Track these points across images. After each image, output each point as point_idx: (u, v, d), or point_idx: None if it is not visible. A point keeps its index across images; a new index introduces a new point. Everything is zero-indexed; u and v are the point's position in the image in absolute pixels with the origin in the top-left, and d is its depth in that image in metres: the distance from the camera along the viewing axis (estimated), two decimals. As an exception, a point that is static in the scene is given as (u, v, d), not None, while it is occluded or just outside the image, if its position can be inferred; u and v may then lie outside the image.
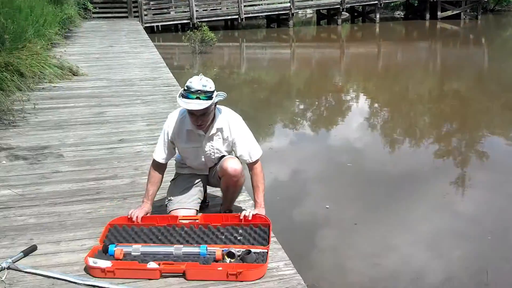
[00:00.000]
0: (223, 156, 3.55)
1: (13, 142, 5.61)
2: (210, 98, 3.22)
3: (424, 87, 13.28)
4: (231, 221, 3.42)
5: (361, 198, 6.05)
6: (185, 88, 3.24)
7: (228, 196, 3.68)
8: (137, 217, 3.43)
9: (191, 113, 3.29)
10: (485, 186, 6.53)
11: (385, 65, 17.34)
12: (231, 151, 3.61)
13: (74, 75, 9.19)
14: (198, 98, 3.19)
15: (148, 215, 3.52)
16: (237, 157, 3.54)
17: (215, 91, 3.29)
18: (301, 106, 11.65)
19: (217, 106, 3.46)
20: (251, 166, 3.53)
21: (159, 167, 3.59)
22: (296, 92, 13.37)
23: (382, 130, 9.55)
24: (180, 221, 3.43)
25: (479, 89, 12.97)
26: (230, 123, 3.49)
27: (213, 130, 3.46)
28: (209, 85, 3.25)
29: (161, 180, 3.63)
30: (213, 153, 3.54)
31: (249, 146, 3.51)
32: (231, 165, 3.43)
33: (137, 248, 3.21)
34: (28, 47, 8.28)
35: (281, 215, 5.39)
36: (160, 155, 3.58)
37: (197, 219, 3.45)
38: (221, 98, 3.37)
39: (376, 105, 11.59)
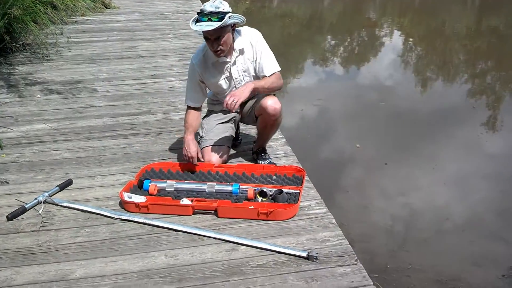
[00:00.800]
0: (259, 68, 3.45)
1: (48, 76, 5.67)
2: (222, 19, 3.12)
3: (461, 23, 12.86)
4: (266, 170, 3.44)
5: (393, 137, 5.95)
6: (199, 11, 3.18)
7: (264, 135, 3.65)
8: (196, 152, 3.42)
9: (206, 38, 3.22)
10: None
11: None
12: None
13: (106, 8, 9.14)
14: (209, 19, 3.11)
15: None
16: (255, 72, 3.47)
17: (230, 13, 3.18)
18: (333, 42, 11.41)
19: (235, 29, 3.37)
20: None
21: (194, 112, 3.56)
22: (328, 27, 13.07)
23: (415, 68, 9.32)
24: (215, 167, 3.46)
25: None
26: (251, 41, 3.41)
27: (235, 53, 3.39)
28: (222, 6, 3.15)
29: (199, 121, 3.61)
30: (242, 77, 3.47)
31: (269, 60, 3.43)
32: (271, 103, 3.37)
33: (171, 184, 3.26)
34: (60, -21, 8.21)
35: (311, 153, 5.38)
36: (192, 99, 3.56)
37: (233, 166, 3.48)
38: (237, 21, 3.27)
39: (410, 41, 11.29)
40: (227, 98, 3.22)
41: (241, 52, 3.40)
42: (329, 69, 9.33)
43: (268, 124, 3.49)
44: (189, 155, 3.41)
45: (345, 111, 6.84)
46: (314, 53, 10.35)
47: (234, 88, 3.47)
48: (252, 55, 3.42)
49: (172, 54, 6.45)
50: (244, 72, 3.45)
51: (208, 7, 3.13)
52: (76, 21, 8.15)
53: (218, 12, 3.12)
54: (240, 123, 3.87)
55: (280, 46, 9.85)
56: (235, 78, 3.46)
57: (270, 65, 3.43)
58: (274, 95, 3.51)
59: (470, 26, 12.75)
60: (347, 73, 9.08)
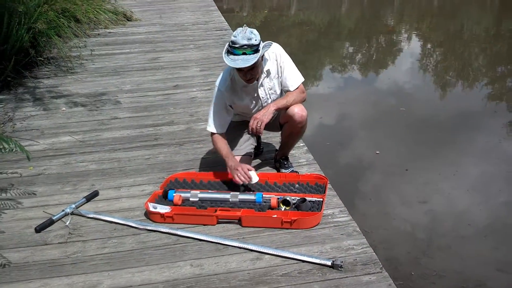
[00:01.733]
0: (284, 84, 3.46)
1: (72, 89, 5.77)
2: (256, 51, 3.11)
3: (480, 26, 12.76)
4: (288, 178, 3.47)
5: (413, 143, 5.93)
6: (230, 43, 3.13)
7: (289, 142, 3.68)
8: (245, 169, 3.29)
9: (239, 69, 3.21)
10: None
11: (440, 3, 16.68)
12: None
13: (128, 20, 9.24)
14: (244, 53, 3.08)
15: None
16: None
17: (261, 42, 3.17)
18: (351, 48, 11.40)
19: None
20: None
21: (222, 139, 3.48)
22: (347, 33, 13.06)
23: (434, 73, 9.27)
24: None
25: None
26: (277, 60, 3.41)
27: (263, 75, 3.39)
28: (254, 37, 3.11)
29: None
30: (269, 95, 3.48)
31: (292, 73, 3.44)
32: (298, 111, 3.39)
33: (195, 194, 3.30)
34: (83, -7, 8.34)
35: (332, 160, 5.39)
36: (220, 126, 3.48)
37: None
38: (267, 49, 3.27)
39: (429, 45, 11.23)
40: (251, 122, 3.27)
41: (268, 73, 3.41)
42: (347, 75, 9.32)
43: (294, 131, 3.50)
44: (236, 170, 3.29)
45: (365, 117, 6.82)
46: (333, 60, 10.36)
47: (260, 107, 3.49)
48: (277, 71, 3.43)
49: (194, 65, 6.51)
50: (270, 90, 3.47)
51: (241, 39, 3.08)
52: (99, 34, 8.27)
53: (252, 45, 3.09)
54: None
55: (299, 54, 9.86)
56: (262, 98, 3.48)
57: (294, 79, 3.45)
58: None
59: (489, 29, 12.64)
60: (366, 79, 9.06)
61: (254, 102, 3.49)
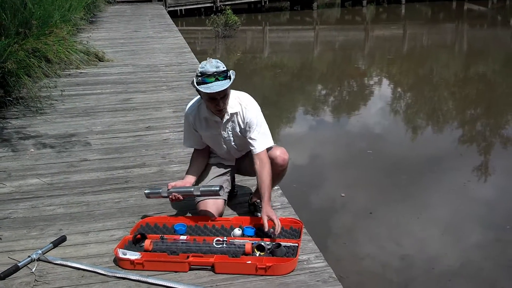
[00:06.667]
0: (250, 146, 3.39)
1: (41, 130, 5.66)
2: (227, 77, 3.16)
3: (449, 70, 13.07)
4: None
5: (379, 185, 6.02)
6: (199, 74, 3.15)
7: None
8: (174, 185, 3.44)
9: (212, 98, 3.19)
10: (510, 175, 6.42)
11: (410, 48, 17.08)
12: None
13: (100, 60, 9.21)
14: (217, 79, 3.12)
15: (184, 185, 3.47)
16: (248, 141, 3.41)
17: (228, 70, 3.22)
18: (323, 91, 11.55)
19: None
20: (258, 155, 3.35)
21: (197, 152, 3.62)
22: (319, 76, 13.24)
23: (404, 116, 9.44)
24: (211, 220, 3.43)
25: (505, 73, 12.70)
26: (244, 107, 3.38)
27: (227, 116, 3.36)
28: (221, 65, 3.17)
29: (203, 161, 3.63)
30: (231, 139, 3.47)
31: (261, 135, 3.37)
32: (280, 154, 3.40)
33: (165, 190, 3.44)
34: (54, 33, 8.28)
35: (305, 202, 5.39)
36: (188, 142, 3.64)
37: (230, 220, 3.46)
38: (233, 76, 3.26)
39: (399, 89, 11.46)
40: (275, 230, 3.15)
41: (234, 115, 3.38)
42: (319, 118, 9.43)
43: (274, 173, 3.41)
44: (169, 185, 3.46)
45: (334, 159, 6.94)
46: (305, 102, 10.46)
47: (224, 146, 3.50)
48: (242, 121, 3.38)
49: (166, 106, 6.47)
50: (234, 135, 3.45)
51: (210, 68, 3.12)
52: (70, 74, 8.20)
53: (221, 72, 3.14)
54: (236, 174, 3.85)
55: (272, 96, 9.93)
56: (225, 138, 3.47)
57: (267, 140, 3.39)
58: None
59: (458, 73, 12.95)
60: (337, 122, 9.18)
61: (217, 140, 3.51)
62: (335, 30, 21.61)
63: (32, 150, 5.09)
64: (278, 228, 3.13)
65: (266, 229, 3.14)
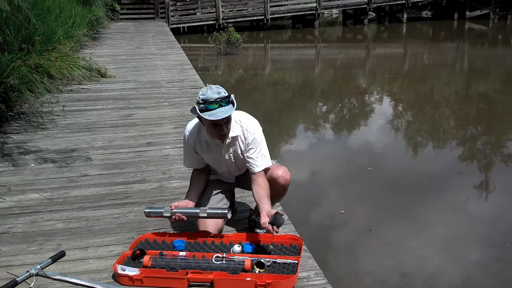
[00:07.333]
0: (249, 165, 3.39)
1: (42, 145, 5.66)
2: (229, 102, 3.15)
3: (450, 89, 13.11)
4: (263, 239, 3.39)
5: (379, 202, 6.02)
6: (201, 101, 3.12)
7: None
8: (176, 205, 3.40)
9: (215, 124, 3.17)
10: (510, 193, 6.42)
11: (411, 66, 17.15)
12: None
13: (102, 76, 9.25)
14: (220, 105, 3.10)
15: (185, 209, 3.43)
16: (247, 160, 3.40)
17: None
18: (324, 108, 11.58)
19: None
20: (256, 174, 3.35)
21: (198, 171, 3.59)
22: (320, 94, 13.30)
23: (405, 133, 9.46)
24: (210, 237, 3.41)
25: (506, 91, 12.74)
26: (245, 129, 3.37)
27: (229, 139, 3.35)
28: (222, 90, 3.15)
29: (203, 181, 3.60)
30: (233, 162, 3.46)
31: (261, 155, 3.36)
32: (283, 173, 3.40)
33: (168, 210, 3.37)
34: (57, 49, 8.33)
35: (305, 219, 5.38)
36: (188, 163, 3.62)
37: (229, 236, 3.44)
38: (235, 101, 3.27)
39: (400, 107, 11.48)
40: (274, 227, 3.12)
41: (235, 139, 3.36)
42: (320, 134, 9.44)
43: (275, 193, 3.43)
44: (172, 205, 3.41)
45: (334, 176, 6.95)
46: (306, 119, 10.48)
47: (225, 166, 3.50)
48: (243, 143, 3.37)
49: (167, 122, 6.48)
50: (235, 157, 3.44)
51: (211, 94, 3.10)
52: (71, 90, 8.23)
53: (224, 97, 3.12)
54: (236, 189, 3.85)
55: (273, 112, 9.96)
56: (226, 159, 3.46)
57: (265, 161, 3.38)
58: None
59: (458, 91, 12.99)
60: (338, 139, 9.20)
61: (218, 160, 3.50)
62: (336, 48, 21.74)
63: (33, 165, 5.09)
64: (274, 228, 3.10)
65: (262, 222, 3.15)
